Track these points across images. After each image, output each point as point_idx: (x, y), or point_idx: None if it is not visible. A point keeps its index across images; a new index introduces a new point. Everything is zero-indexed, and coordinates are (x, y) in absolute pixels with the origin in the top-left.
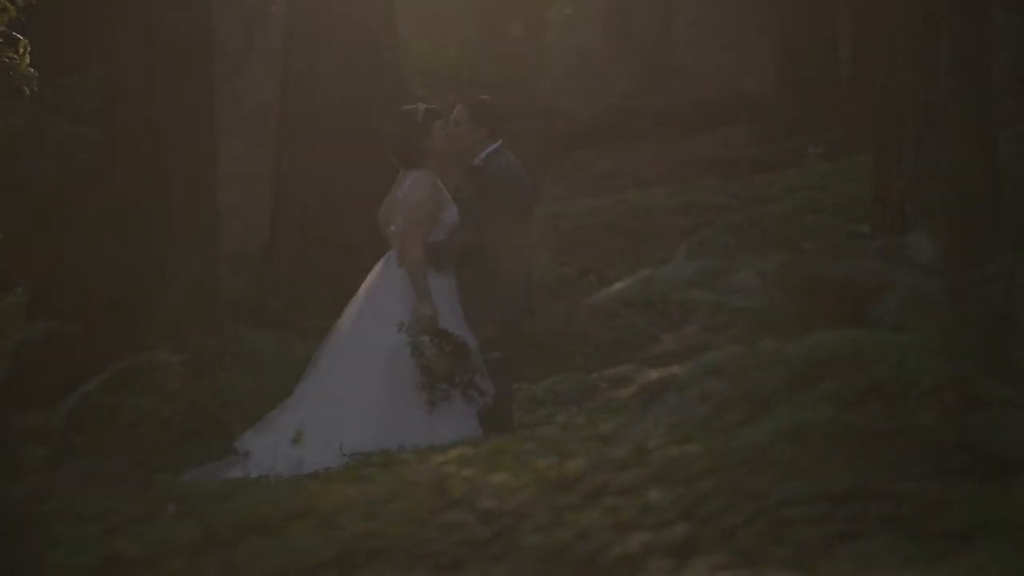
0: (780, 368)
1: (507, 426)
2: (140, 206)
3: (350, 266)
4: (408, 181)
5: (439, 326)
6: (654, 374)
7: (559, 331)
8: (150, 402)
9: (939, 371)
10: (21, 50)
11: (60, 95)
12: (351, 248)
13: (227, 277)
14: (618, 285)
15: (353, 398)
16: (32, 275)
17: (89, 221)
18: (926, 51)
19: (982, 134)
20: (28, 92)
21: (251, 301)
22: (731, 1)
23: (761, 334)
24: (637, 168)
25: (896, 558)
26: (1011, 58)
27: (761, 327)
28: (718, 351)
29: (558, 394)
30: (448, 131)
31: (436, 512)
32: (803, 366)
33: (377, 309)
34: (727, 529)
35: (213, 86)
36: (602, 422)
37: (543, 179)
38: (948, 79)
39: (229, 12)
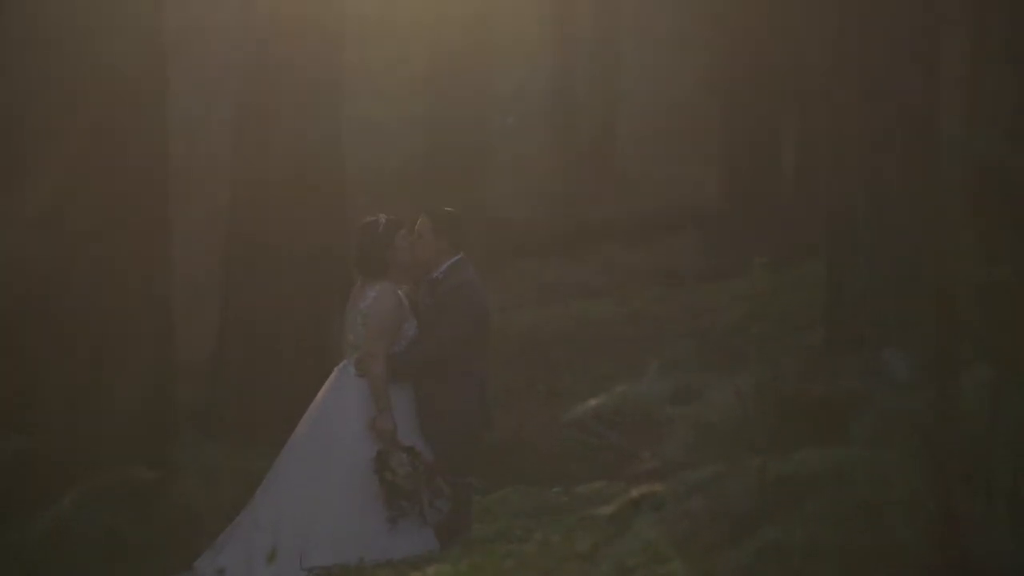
0: (762, 486)
1: (465, 536)
2: (93, 312)
3: (301, 375)
4: (371, 293)
5: (399, 441)
6: (634, 491)
7: (508, 442)
8: (120, 519)
9: (922, 488)
10: None
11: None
12: (301, 356)
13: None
14: (592, 401)
15: (311, 512)
16: None
17: (40, 333)
18: (876, 167)
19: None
20: None
21: (202, 410)
22: (674, 111)
23: (740, 452)
24: (582, 277)
25: None
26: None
27: (739, 445)
28: (698, 469)
29: (510, 506)
30: (410, 242)
31: None
32: (785, 485)
33: (333, 420)
34: None
35: (167, 191)
36: (579, 540)
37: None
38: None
39: (175, 118)
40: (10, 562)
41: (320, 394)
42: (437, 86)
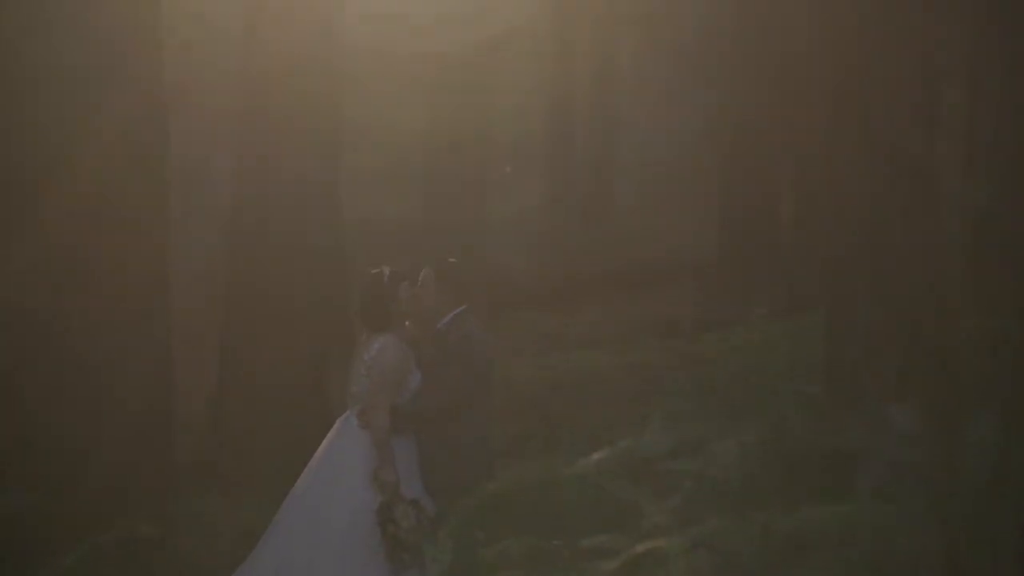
0: (766, 542)
1: None
2: (91, 367)
3: (301, 426)
4: (375, 345)
5: (403, 493)
6: (638, 546)
7: (509, 493)
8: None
9: (927, 543)
10: None
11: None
12: (302, 407)
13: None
14: (596, 455)
15: (313, 564)
16: None
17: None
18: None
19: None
20: None
21: (202, 462)
22: (672, 163)
23: (744, 506)
24: (581, 328)
25: None
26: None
27: (744, 499)
28: (702, 524)
29: (511, 559)
30: (414, 294)
31: None
32: (790, 540)
33: (335, 472)
34: None
35: (167, 241)
36: None
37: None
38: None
39: (174, 168)
40: None
41: (322, 445)
42: (435, 137)
